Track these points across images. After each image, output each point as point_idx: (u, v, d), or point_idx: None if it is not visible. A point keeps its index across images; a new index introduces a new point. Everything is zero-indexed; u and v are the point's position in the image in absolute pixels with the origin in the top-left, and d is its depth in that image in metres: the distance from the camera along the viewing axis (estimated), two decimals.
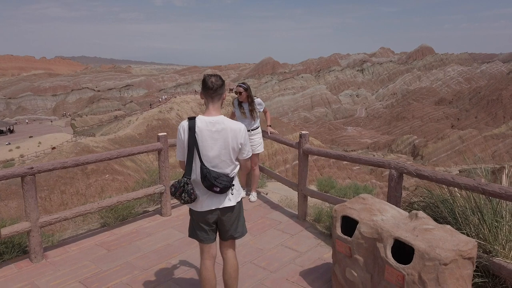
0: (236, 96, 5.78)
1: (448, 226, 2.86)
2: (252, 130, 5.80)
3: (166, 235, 4.88)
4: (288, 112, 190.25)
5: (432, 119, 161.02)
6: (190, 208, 3.02)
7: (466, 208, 3.38)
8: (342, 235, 3.27)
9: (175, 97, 79.60)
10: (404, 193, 3.86)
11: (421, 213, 2.99)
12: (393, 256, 2.84)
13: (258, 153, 6.02)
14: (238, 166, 3.01)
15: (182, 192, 2.82)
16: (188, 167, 2.88)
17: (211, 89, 2.86)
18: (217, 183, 2.79)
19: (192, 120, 2.88)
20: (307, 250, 4.48)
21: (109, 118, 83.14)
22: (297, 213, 5.51)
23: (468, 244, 2.67)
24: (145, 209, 5.89)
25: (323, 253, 4.37)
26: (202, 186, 2.85)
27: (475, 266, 2.72)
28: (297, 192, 5.52)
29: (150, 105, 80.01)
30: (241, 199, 3.10)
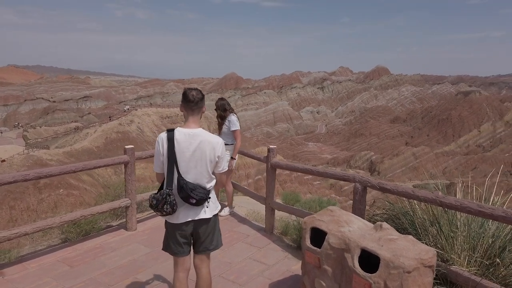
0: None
1: (410, 236, 3.05)
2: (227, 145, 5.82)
3: (132, 250, 4.77)
4: (251, 127, 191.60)
5: (388, 137, 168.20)
6: (166, 221, 3.02)
7: (425, 219, 3.61)
8: (311, 246, 3.37)
9: (136, 109, 77.88)
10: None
11: (385, 224, 3.17)
12: (360, 265, 2.97)
13: (231, 170, 5.95)
14: (215, 180, 3.05)
15: (164, 203, 2.82)
16: (168, 178, 2.90)
17: (191, 101, 2.91)
18: (193, 194, 2.82)
19: (171, 131, 2.92)
20: (275, 262, 4.55)
21: (65, 130, 79.62)
22: (264, 226, 5.58)
23: (428, 253, 2.86)
24: (108, 224, 5.72)
25: (291, 265, 4.45)
26: (178, 197, 2.87)
27: (434, 274, 2.90)
28: (264, 206, 5.60)
29: (109, 117, 77.63)
30: (217, 212, 3.12)
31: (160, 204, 2.82)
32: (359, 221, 3.37)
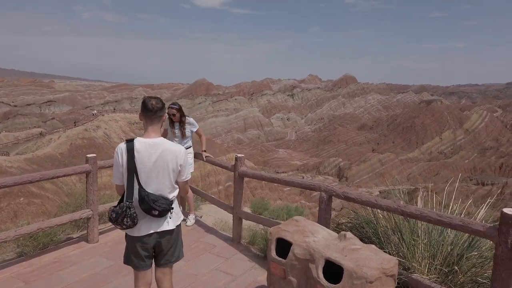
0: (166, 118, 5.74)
1: (373, 246, 3.09)
2: (184, 146, 5.76)
3: (93, 263, 4.58)
4: (221, 133, 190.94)
5: (355, 143, 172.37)
6: (126, 234, 2.92)
7: (388, 228, 3.68)
8: (276, 257, 3.36)
9: (103, 115, 75.78)
10: (332, 214, 4.09)
11: (349, 234, 3.20)
12: (324, 276, 2.98)
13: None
14: (177, 190, 3.00)
15: (124, 217, 2.72)
16: (128, 190, 2.81)
17: (151, 111, 2.85)
18: (155, 206, 2.74)
19: (130, 142, 2.84)
20: (241, 273, 4.50)
21: (26, 135, 76.14)
22: (231, 236, 5.52)
23: (390, 262, 2.91)
24: (68, 236, 5.47)
25: (257, 276, 4.41)
26: (139, 209, 2.78)
27: (396, 283, 2.96)
28: (231, 215, 5.56)
29: (74, 122, 75.06)
30: (180, 223, 3.06)
31: (120, 217, 2.73)
32: (324, 231, 3.39)
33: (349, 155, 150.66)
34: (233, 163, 5.37)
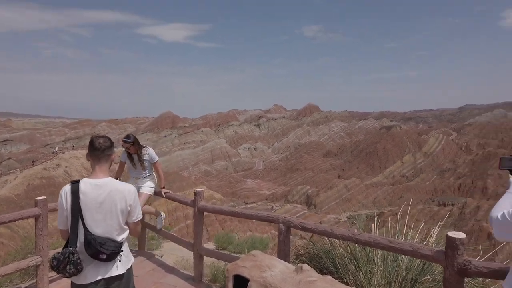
0: (123, 150, 5.61)
1: (329, 277, 3.09)
2: (144, 177, 5.65)
3: None
4: (188, 166, 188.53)
5: (321, 170, 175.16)
6: (72, 282, 2.73)
7: (345, 257, 3.71)
8: None
9: (63, 152, 73.01)
10: (301, 242, 4.07)
11: (305, 266, 3.19)
12: None
13: (145, 194, 5.68)
14: (127, 231, 2.87)
15: (67, 264, 2.55)
16: (72, 235, 2.65)
17: (98, 150, 2.77)
18: (103, 249, 2.60)
19: (75, 183, 2.72)
20: None
21: None
22: (193, 275, 5.35)
23: None
24: (17, 286, 5.10)
25: None
26: (85, 255, 2.63)
27: None
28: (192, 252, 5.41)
29: (32, 161, 71.67)
30: (131, 265, 2.92)
31: (62, 264, 2.55)
32: (281, 264, 3.36)
33: (316, 182, 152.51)
34: (193, 198, 5.29)
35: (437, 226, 4.01)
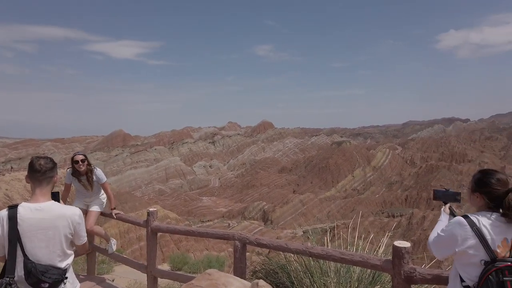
0: (69, 168, 5.34)
1: None
2: (93, 195, 5.45)
3: None
4: (141, 185, 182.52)
5: (277, 186, 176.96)
6: None
7: (300, 271, 3.78)
8: None
9: (3, 174, 67.86)
10: (258, 258, 4.08)
11: (261, 282, 3.21)
12: None
13: (98, 212, 5.55)
14: (72, 256, 2.71)
15: None
16: (9, 264, 2.46)
17: (38, 172, 2.62)
18: (45, 278, 2.44)
19: (13, 208, 2.54)
20: None
21: None
22: None
23: None
24: None
25: None
26: (26, 284, 2.45)
27: None
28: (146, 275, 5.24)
29: None
30: None
31: None
32: (237, 282, 3.36)
33: (272, 198, 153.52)
34: (146, 219, 5.15)
35: (386, 236, 4.21)
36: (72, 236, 2.68)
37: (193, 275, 4.97)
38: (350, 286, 3.60)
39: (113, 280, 6.03)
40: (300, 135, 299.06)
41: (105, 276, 6.19)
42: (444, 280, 2.71)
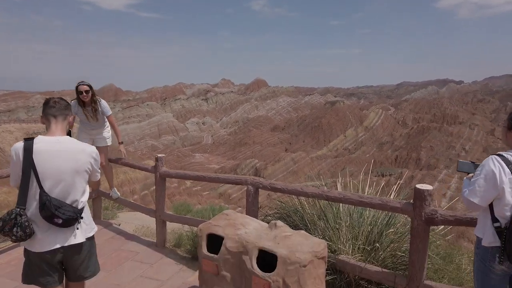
0: (73, 100, 5.19)
1: (303, 231, 3.17)
2: (98, 127, 5.40)
3: None
4: (134, 140, 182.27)
5: (269, 144, 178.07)
6: (25, 249, 2.51)
7: (314, 214, 3.81)
8: (208, 253, 3.25)
9: None
10: (268, 203, 4.11)
11: (279, 222, 3.23)
12: (259, 267, 2.96)
13: (107, 146, 5.63)
14: (87, 194, 2.64)
15: (13, 226, 2.31)
16: (21, 194, 2.40)
17: (54, 107, 2.55)
18: (59, 213, 2.36)
19: (29, 140, 2.45)
20: (169, 277, 4.29)
21: None
22: (155, 241, 5.24)
23: (320, 245, 3.00)
24: None
25: (187, 278, 4.25)
26: (39, 217, 2.39)
27: (326, 265, 3.06)
28: (154, 219, 5.29)
29: None
30: (93, 235, 2.71)
31: (8, 226, 2.30)
32: (254, 222, 3.38)
33: (264, 156, 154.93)
34: (154, 165, 5.11)
35: (396, 185, 4.23)
36: (89, 172, 2.61)
37: (203, 219, 5.02)
38: (363, 229, 3.65)
39: (119, 225, 6.09)
40: (294, 94, 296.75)
41: (111, 221, 6.25)
42: (465, 222, 2.74)
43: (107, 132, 5.62)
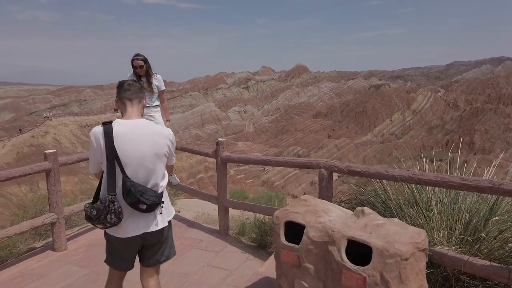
0: (130, 74, 5.10)
1: (396, 219, 2.77)
2: (152, 106, 5.27)
3: (64, 273, 3.94)
4: (178, 130, 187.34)
5: (312, 131, 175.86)
6: (108, 235, 2.45)
7: (399, 200, 3.39)
8: (288, 243, 2.95)
9: (51, 119, 71.36)
10: (343, 188, 3.75)
11: (367, 209, 2.85)
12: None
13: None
14: (167, 178, 2.55)
15: (108, 213, 2.25)
16: (109, 181, 2.31)
17: (129, 90, 2.45)
18: (143, 199, 2.28)
19: (108, 124, 2.34)
20: (237, 267, 4.07)
21: None
22: (218, 228, 5.06)
23: (420, 235, 2.59)
24: (30, 246, 4.74)
25: (256, 268, 4.00)
26: (124, 203, 2.31)
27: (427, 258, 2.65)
28: (216, 206, 5.10)
29: (19, 129, 70.03)
30: (172, 218, 2.63)
31: (103, 214, 2.24)
32: (337, 209, 3.03)
33: (307, 143, 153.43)
34: (214, 149, 4.89)
35: (492, 166, 3.69)
36: (167, 155, 2.51)
37: (270, 206, 4.75)
38: (460, 217, 3.18)
39: (179, 212, 5.99)
40: (336, 79, 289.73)
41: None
42: None
43: (160, 116, 5.49)
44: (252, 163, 4.49)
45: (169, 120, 5.61)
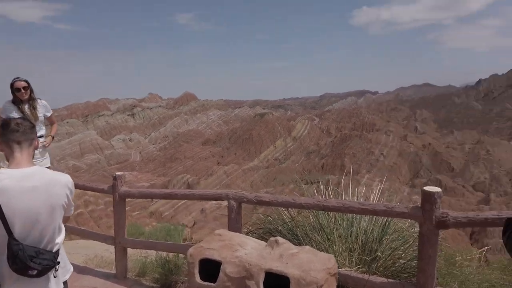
0: (7, 101, 4.42)
1: (308, 247, 2.89)
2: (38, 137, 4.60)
3: None
4: (53, 161, 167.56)
5: (201, 158, 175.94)
6: None
7: (306, 227, 3.56)
8: (203, 282, 2.82)
9: None
10: (249, 219, 3.76)
11: (280, 239, 2.92)
12: None
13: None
14: (64, 232, 2.17)
15: None
16: None
17: (16, 131, 2.02)
18: (34, 264, 1.88)
19: None
20: None
21: None
22: (115, 272, 4.59)
23: (330, 261, 2.75)
24: None
25: None
26: (8, 270, 1.88)
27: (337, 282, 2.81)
28: (105, 247, 4.65)
29: None
30: (69, 276, 2.33)
31: None
32: (251, 241, 3.03)
33: (196, 171, 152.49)
34: (111, 184, 4.49)
35: (378, 191, 4.15)
36: (65, 206, 2.12)
37: (174, 242, 4.51)
38: (357, 239, 3.48)
39: None
40: (223, 107, 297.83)
41: None
42: (478, 223, 2.69)
43: (47, 152, 4.84)
44: (156, 198, 4.24)
45: (54, 137, 4.89)
